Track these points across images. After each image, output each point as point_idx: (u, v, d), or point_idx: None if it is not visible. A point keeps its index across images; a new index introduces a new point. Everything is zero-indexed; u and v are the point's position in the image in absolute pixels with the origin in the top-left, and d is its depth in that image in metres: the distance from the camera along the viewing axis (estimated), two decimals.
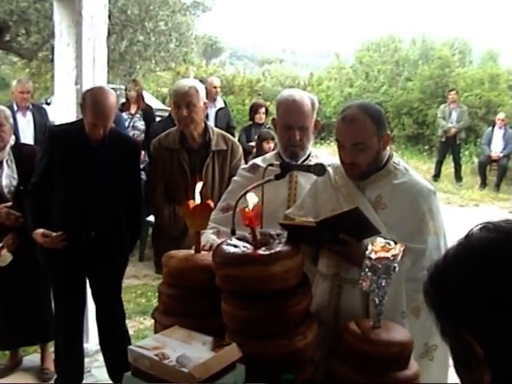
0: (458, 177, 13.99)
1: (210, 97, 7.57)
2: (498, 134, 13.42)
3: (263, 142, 6.82)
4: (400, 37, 24.22)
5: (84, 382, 4.12)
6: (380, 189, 2.54)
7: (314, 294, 2.36)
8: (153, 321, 2.55)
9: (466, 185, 13.69)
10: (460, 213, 11.01)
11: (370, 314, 2.31)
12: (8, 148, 4.14)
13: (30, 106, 7.28)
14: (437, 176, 14.02)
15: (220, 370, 1.91)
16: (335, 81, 24.10)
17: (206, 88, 4.68)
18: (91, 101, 3.62)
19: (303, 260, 2.24)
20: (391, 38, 23.94)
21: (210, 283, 2.23)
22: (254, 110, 8.61)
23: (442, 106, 14.41)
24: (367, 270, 2.07)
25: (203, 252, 2.49)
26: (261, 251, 2.12)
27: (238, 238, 2.27)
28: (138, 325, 5.39)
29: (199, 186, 2.53)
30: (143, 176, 5.20)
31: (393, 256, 2.05)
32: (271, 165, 2.82)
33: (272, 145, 6.57)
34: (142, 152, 6.16)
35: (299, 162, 3.05)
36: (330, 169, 2.67)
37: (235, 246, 2.18)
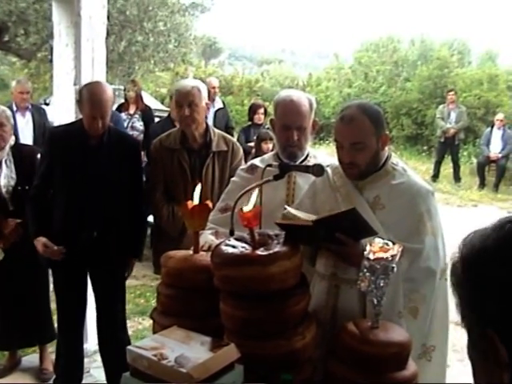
0: (457, 177, 14.01)
1: (209, 97, 7.57)
2: (496, 135, 13.44)
3: (262, 143, 6.81)
4: (399, 37, 24.26)
5: (83, 382, 4.11)
6: (378, 189, 2.54)
7: (311, 294, 2.36)
8: (151, 321, 2.55)
9: (464, 185, 13.70)
10: (459, 213, 11.02)
11: (367, 314, 2.32)
12: (7, 148, 4.14)
13: (30, 107, 7.27)
14: (435, 176, 14.04)
15: (218, 370, 1.91)
16: (334, 81, 24.13)
17: None
18: (88, 94, 3.64)
19: (301, 260, 2.24)
20: (390, 39, 23.97)
21: (209, 283, 2.23)
22: (253, 110, 8.61)
23: (441, 107, 14.42)
24: (365, 270, 2.08)
25: (202, 252, 2.49)
26: (259, 252, 2.12)
27: (237, 239, 2.27)
28: (137, 325, 5.39)
29: (198, 187, 2.53)
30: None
31: (391, 256, 2.05)
32: (270, 165, 2.82)
33: (270, 145, 6.56)
34: (142, 152, 6.16)
35: (298, 163, 3.06)
36: (328, 169, 2.67)
37: (234, 247, 2.18)
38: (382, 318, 2.16)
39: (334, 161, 2.68)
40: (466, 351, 1.15)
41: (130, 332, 4.29)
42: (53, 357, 4.30)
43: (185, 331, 2.11)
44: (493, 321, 1.02)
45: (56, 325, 4.09)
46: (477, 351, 1.10)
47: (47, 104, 11.96)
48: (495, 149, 13.36)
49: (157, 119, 8.45)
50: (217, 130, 4.07)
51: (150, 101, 12.35)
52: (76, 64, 4.51)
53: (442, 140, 13.86)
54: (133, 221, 3.87)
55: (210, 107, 4.11)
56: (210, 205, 2.58)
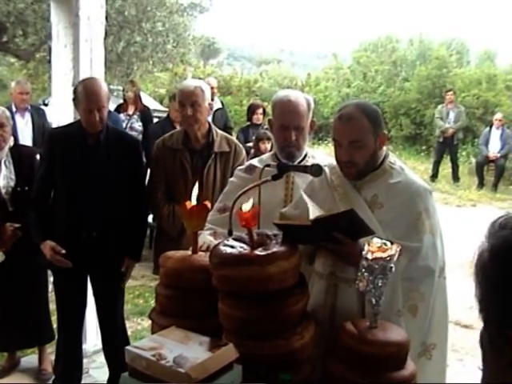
0: (456, 177, 14.02)
1: None
2: (495, 135, 13.45)
3: (260, 143, 6.82)
4: (397, 37, 24.29)
5: (82, 382, 4.12)
6: (376, 188, 2.55)
7: (310, 293, 2.36)
8: (150, 322, 2.55)
9: (463, 185, 13.72)
10: (457, 213, 11.04)
11: (366, 314, 2.32)
12: (6, 149, 4.15)
13: (29, 107, 7.26)
14: (434, 176, 14.05)
15: (217, 370, 1.91)
16: (333, 81, 24.14)
17: None
18: (83, 88, 3.66)
19: (300, 260, 2.24)
20: (389, 39, 24.00)
21: (207, 284, 2.23)
22: (252, 110, 8.63)
23: (440, 107, 14.44)
24: (364, 270, 2.08)
25: (200, 253, 2.49)
26: (258, 252, 2.12)
27: (235, 239, 2.27)
28: (136, 326, 5.39)
29: (196, 186, 2.53)
30: None
31: (389, 256, 2.05)
32: (268, 165, 2.83)
33: (269, 145, 6.57)
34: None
35: (296, 163, 3.06)
36: (326, 169, 2.68)
37: (232, 247, 2.18)
38: (381, 317, 2.16)
39: (332, 161, 2.68)
40: (479, 338, 1.13)
41: (129, 332, 4.29)
42: (52, 357, 4.30)
43: (183, 331, 2.11)
44: None
45: (55, 325, 4.09)
46: (493, 348, 1.07)
47: (46, 105, 11.93)
48: (494, 148, 13.38)
49: (155, 120, 8.46)
50: (219, 131, 4.07)
51: (148, 101, 12.35)
52: (74, 65, 4.51)
53: (441, 140, 13.87)
54: (133, 221, 3.86)
55: (213, 108, 4.11)
56: (209, 205, 2.58)
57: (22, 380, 4.43)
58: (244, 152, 4.10)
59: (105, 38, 4.77)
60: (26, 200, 3.92)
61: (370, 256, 2.05)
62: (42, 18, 12.36)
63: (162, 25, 14.09)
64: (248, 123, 8.77)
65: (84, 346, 4.29)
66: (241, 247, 2.17)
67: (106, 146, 3.73)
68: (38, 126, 7.12)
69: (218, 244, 2.26)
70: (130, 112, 7.99)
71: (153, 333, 2.35)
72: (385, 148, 2.64)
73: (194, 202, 2.47)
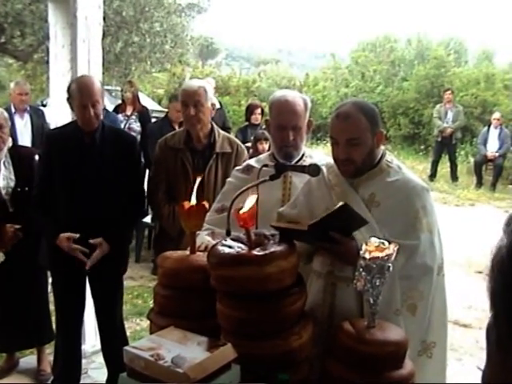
0: (454, 176, 14.03)
1: None
2: (493, 134, 13.47)
3: (258, 143, 6.83)
4: (395, 37, 24.30)
5: (81, 383, 4.12)
6: (373, 187, 2.55)
7: (308, 292, 2.36)
8: (149, 322, 2.56)
9: (461, 184, 13.73)
10: (456, 212, 11.05)
11: (364, 313, 2.32)
12: (5, 150, 4.15)
13: (28, 108, 7.25)
14: (433, 176, 14.06)
15: (215, 370, 1.90)
16: (331, 81, 24.15)
17: None
18: (76, 85, 3.68)
19: (298, 260, 2.24)
20: (387, 38, 24.01)
21: (205, 284, 2.23)
22: (250, 110, 8.63)
23: (438, 106, 14.45)
24: (361, 269, 2.08)
25: (198, 253, 2.50)
26: (256, 252, 2.12)
27: (233, 239, 2.27)
28: (135, 326, 5.39)
29: (197, 183, 2.54)
30: None
31: (387, 256, 2.05)
32: (265, 165, 2.83)
33: (267, 146, 6.58)
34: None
35: (293, 163, 3.07)
36: (323, 168, 2.68)
37: (230, 247, 2.18)
38: (380, 316, 2.17)
39: (330, 160, 2.69)
40: (486, 333, 1.12)
41: (127, 333, 4.29)
42: (50, 358, 4.29)
43: (181, 331, 2.11)
44: None
45: (54, 326, 4.09)
46: (499, 347, 1.06)
47: (44, 105, 11.95)
48: (492, 148, 13.39)
49: (154, 120, 8.45)
50: (222, 132, 4.06)
51: (146, 102, 12.37)
52: (72, 65, 4.51)
53: (439, 139, 13.88)
54: (127, 214, 3.85)
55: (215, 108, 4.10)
56: (207, 205, 2.58)
57: (20, 380, 4.43)
58: (246, 153, 4.09)
59: (102, 39, 4.77)
60: (26, 200, 3.92)
61: (367, 255, 2.05)
62: (39, 19, 12.37)
63: (160, 25, 14.11)
64: (246, 123, 8.77)
65: (83, 347, 4.29)
66: (239, 247, 2.17)
67: (102, 145, 3.73)
68: (37, 126, 7.11)
69: (216, 244, 2.26)
70: (129, 112, 7.99)
71: (151, 333, 2.35)
72: (382, 147, 2.65)
73: (194, 200, 2.48)
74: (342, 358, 2.14)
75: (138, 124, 7.92)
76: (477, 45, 25.07)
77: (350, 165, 2.53)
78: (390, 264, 2.06)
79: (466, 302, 6.15)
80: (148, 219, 7.06)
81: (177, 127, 6.70)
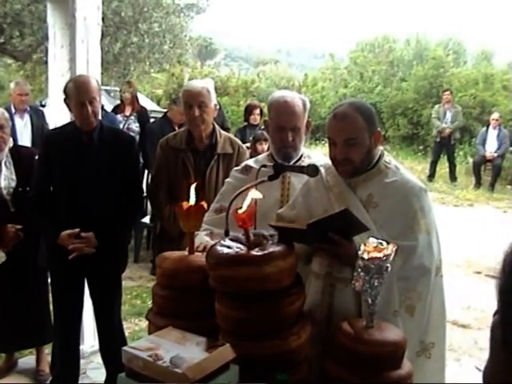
0: (453, 177, 14.04)
1: None
2: (492, 134, 13.48)
3: (256, 144, 6.82)
4: (394, 37, 24.35)
5: (79, 383, 4.11)
6: (371, 187, 2.55)
7: (306, 293, 2.37)
8: (148, 322, 2.56)
9: (460, 185, 13.74)
10: (454, 213, 11.06)
11: (362, 314, 2.32)
12: (6, 150, 4.15)
13: (28, 109, 7.24)
14: (431, 176, 14.07)
15: (214, 370, 1.91)
16: (330, 81, 24.18)
17: None
18: (73, 84, 3.68)
19: (296, 260, 2.24)
20: (385, 39, 24.06)
21: (204, 284, 2.23)
22: (249, 111, 8.63)
23: (437, 107, 14.46)
24: (360, 270, 2.08)
25: (197, 253, 2.50)
26: (254, 252, 2.12)
27: (232, 239, 2.27)
28: (134, 326, 5.39)
29: (193, 187, 2.54)
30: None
31: (385, 256, 2.06)
32: (264, 166, 2.83)
33: (266, 146, 6.57)
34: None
35: (292, 163, 3.06)
36: (321, 169, 2.68)
37: (229, 247, 2.18)
38: (378, 317, 2.17)
39: (328, 160, 2.69)
40: (490, 330, 1.11)
41: (126, 333, 4.30)
42: (49, 358, 4.29)
43: (180, 332, 2.11)
44: None
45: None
46: (505, 346, 1.05)
47: (43, 106, 11.95)
48: (491, 148, 13.40)
49: (152, 120, 8.45)
50: (223, 132, 4.05)
51: (145, 102, 12.37)
52: (71, 65, 4.51)
53: (438, 140, 13.89)
54: (124, 214, 3.85)
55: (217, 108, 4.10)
56: (205, 206, 2.58)
57: (19, 381, 4.43)
58: (247, 154, 4.09)
59: (101, 39, 4.77)
60: (27, 201, 3.92)
61: (365, 256, 2.06)
62: (38, 19, 12.38)
63: (159, 25, 14.11)
64: (245, 124, 8.77)
65: (81, 347, 4.29)
66: (237, 247, 2.17)
67: (100, 144, 3.72)
68: (37, 127, 7.10)
69: (215, 244, 2.26)
70: (127, 113, 7.99)
71: (150, 333, 2.35)
72: (381, 148, 2.65)
73: (192, 202, 2.48)
74: (341, 358, 2.14)
75: (137, 124, 7.92)
76: (476, 45, 25.14)
77: (349, 165, 2.54)
78: (388, 264, 2.06)
79: (465, 303, 6.15)
80: (147, 219, 7.07)
81: (177, 128, 6.70)
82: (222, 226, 2.55)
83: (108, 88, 14.51)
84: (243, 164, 3.32)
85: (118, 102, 8.49)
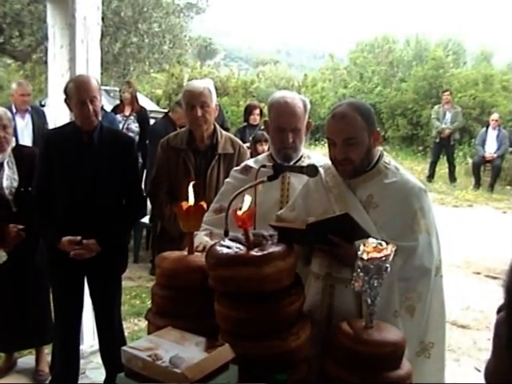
0: (452, 177, 14.05)
1: None
2: (491, 135, 13.48)
3: (257, 144, 6.82)
4: (394, 38, 24.35)
5: (79, 383, 4.11)
6: (371, 188, 2.55)
7: (306, 293, 2.37)
8: (147, 322, 2.56)
9: (460, 185, 13.74)
10: (454, 213, 11.06)
11: (362, 314, 2.32)
12: (9, 150, 4.15)
13: (29, 109, 7.23)
14: (431, 177, 14.08)
15: (213, 370, 1.91)
16: (329, 82, 24.19)
17: None
18: (73, 83, 3.69)
19: (296, 261, 2.24)
20: (385, 39, 24.05)
21: (203, 284, 2.23)
22: (249, 111, 8.63)
23: (436, 107, 14.47)
24: (359, 270, 2.08)
25: (196, 253, 2.50)
26: (254, 252, 2.12)
27: (231, 239, 2.27)
28: (133, 326, 5.39)
29: (190, 187, 2.54)
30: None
31: (384, 256, 2.06)
32: (264, 166, 2.83)
33: (266, 147, 6.57)
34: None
35: (291, 163, 3.06)
36: (321, 169, 2.68)
37: (228, 247, 2.18)
38: (378, 318, 2.17)
39: (328, 161, 2.69)
40: (495, 327, 1.11)
41: (125, 333, 4.29)
42: (49, 358, 4.29)
43: (179, 332, 2.11)
44: None
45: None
46: (508, 346, 1.05)
47: (43, 106, 11.94)
48: (490, 149, 13.40)
49: (152, 121, 8.44)
50: (224, 132, 4.05)
51: (145, 102, 12.36)
52: (71, 66, 4.51)
53: (438, 140, 13.90)
54: (124, 215, 3.85)
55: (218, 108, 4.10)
56: (205, 206, 2.58)
57: (18, 381, 4.43)
58: (248, 154, 4.08)
59: (101, 39, 4.76)
60: (29, 200, 3.91)
61: (365, 256, 2.06)
62: (38, 19, 12.38)
63: (159, 26, 14.12)
64: (245, 124, 8.77)
65: (81, 347, 4.28)
66: (237, 248, 2.18)
67: (100, 145, 3.72)
68: (38, 127, 7.08)
69: (214, 244, 2.26)
70: (127, 113, 7.99)
71: (149, 333, 2.35)
72: (380, 148, 2.66)
73: (191, 202, 2.48)
74: (340, 359, 2.14)
75: (137, 124, 7.92)
76: (475, 46, 25.14)
77: (349, 165, 2.54)
78: (387, 265, 2.06)
79: (464, 303, 6.16)
80: (146, 219, 7.06)
81: (178, 128, 6.69)
82: (222, 226, 2.55)
83: (107, 88, 14.49)
84: (243, 164, 3.31)
85: (118, 102, 8.49)
